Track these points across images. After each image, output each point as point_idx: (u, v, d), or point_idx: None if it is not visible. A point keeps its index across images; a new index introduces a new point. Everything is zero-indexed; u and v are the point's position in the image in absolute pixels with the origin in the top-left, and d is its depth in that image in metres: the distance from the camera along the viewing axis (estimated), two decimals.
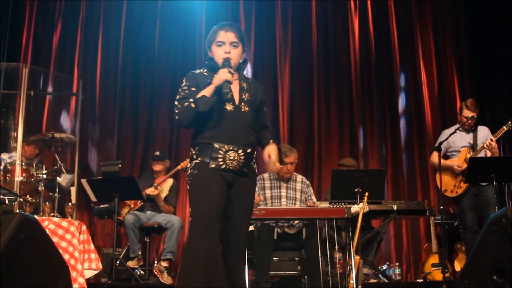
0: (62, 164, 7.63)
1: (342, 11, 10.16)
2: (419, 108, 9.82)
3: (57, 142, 7.89)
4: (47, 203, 6.95)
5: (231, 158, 3.95)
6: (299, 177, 7.34)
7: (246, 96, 4.13)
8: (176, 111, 4.05)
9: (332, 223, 6.90)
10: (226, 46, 4.11)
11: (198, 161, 3.98)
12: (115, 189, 6.79)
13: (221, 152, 3.94)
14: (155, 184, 7.82)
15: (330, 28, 10.16)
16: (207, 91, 3.96)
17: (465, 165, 6.84)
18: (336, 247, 6.98)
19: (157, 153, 8.29)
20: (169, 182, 8.04)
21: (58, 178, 7.48)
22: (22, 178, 7.23)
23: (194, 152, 4.04)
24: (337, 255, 7.11)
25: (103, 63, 9.88)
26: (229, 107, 4.02)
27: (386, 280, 7.71)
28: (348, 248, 6.32)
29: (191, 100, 3.96)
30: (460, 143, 7.21)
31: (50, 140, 7.85)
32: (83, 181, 6.97)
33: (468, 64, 10.00)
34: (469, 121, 7.08)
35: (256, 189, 6.96)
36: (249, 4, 10.16)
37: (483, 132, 7.20)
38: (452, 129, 7.21)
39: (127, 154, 9.63)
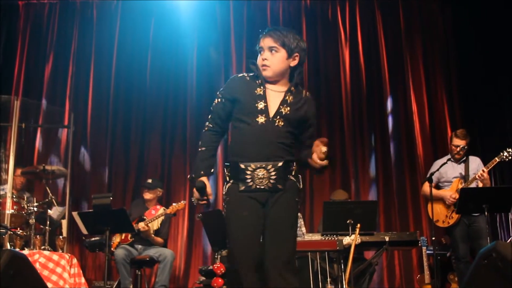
0: (53, 197, 7.61)
1: (332, 43, 10.21)
2: (410, 138, 9.84)
3: (48, 175, 7.87)
4: (37, 236, 6.93)
5: (260, 176, 3.66)
6: None
7: (286, 110, 3.77)
8: (203, 131, 3.89)
9: (324, 255, 6.88)
10: (264, 53, 3.80)
11: (230, 184, 3.75)
12: (106, 222, 6.74)
13: (249, 172, 3.67)
14: (147, 220, 7.78)
15: (321, 60, 10.20)
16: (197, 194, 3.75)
17: (457, 196, 6.86)
18: (328, 279, 6.95)
19: (149, 180, 8.23)
20: (161, 212, 7.97)
21: (49, 210, 7.46)
22: (12, 211, 7.20)
23: (227, 173, 3.82)
24: (330, 287, 7.08)
25: (95, 95, 9.89)
26: (261, 119, 3.72)
27: None
28: (340, 280, 6.31)
29: (204, 148, 3.82)
30: (452, 174, 7.25)
31: (42, 172, 7.84)
32: (74, 214, 6.94)
33: (458, 94, 10.05)
34: (459, 150, 7.14)
35: None
36: (239, 33, 10.20)
37: (475, 163, 7.25)
38: (444, 159, 7.25)
39: (119, 186, 9.60)
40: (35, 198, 7.50)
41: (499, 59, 9.42)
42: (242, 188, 3.68)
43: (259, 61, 3.80)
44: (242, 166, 3.67)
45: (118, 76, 9.98)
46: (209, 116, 3.90)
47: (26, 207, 7.25)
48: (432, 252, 7.88)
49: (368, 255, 8.20)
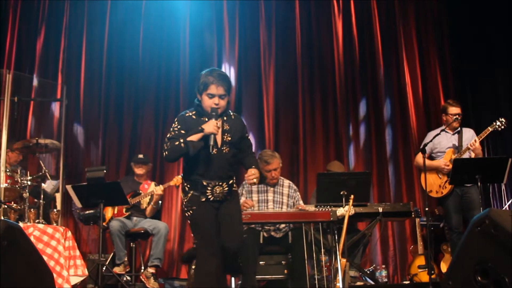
0: (46, 170, 7.59)
1: (325, 14, 10.18)
2: (404, 109, 9.86)
3: (41, 148, 7.84)
4: (32, 209, 6.91)
5: (218, 192, 4.87)
6: (286, 182, 7.35)
7: (228, 138, 4.89)
8: (166, 148, 4.78)
9: (318, 226, 6.90)
10: (215, 99, 4.79)
11: (190, 194, 4.88)
12: (100, 195, 6.74)
13: (209, 188, 4.85)
14: (143, 194, 7.86)
15: (314, 31, 10.18)
16: (195, 137, 4.69)
17: (451, 165, 6.89)
18: (322, 250, 6.98)
19: (141, 156, 8.31)
20: (152, 187, 8.04)
21: (43, 184, 7.43)
22: (6, 184, 7.17)
23: (186, 185, 4.93)
24: (323, 258, 7.11)
25: (87, 68, 9.83)
26: (214, 151, 4.74)
27: (373, 283, 7.73)
28: (334, 251, 6.33)
29: (181, 141, 4.69)
30: (446, 144, 7.28)
31: (35, 146, 7.81)
32: (68, 187, 6.92)
33: (452, 65, 10.07)
34: (457, 118, 7.16)
35: (244, 192, 7.05)
36: (232, 8, 10.15)
37: (468, 134, 7.28)
38: (437, 130, 7.27)
39: (112, 159, 9.59)
40: (28, 172, 7.47)
41: (492, 29, 9.41)
42: (203, 199, 4.86)
43: (210, 104, 4.80)
44: (205, 183, 4.85)
45: (110, 49, 9.91)
46: (166, 141, 4.83)
47: (19, 181, 7.22)
48: (425, 223, 7.92)
49: (362, 226, 8.25)
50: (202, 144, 4.70)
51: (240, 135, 5.02)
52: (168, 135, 4.85)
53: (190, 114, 4.92)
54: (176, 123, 4.87)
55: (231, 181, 4.96)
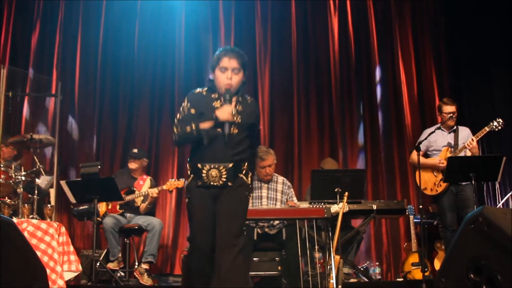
0: (41, 166, 7.57)
1: (321, 13, 10.17)
2: (398, 108, 9.87)
3: (36, 144, 7.82)
4: (26, 205, 6.89)
5: (213, 175, 4.41)
6: (280, 179, 7.36)
7: (238, 119, 4.46)
8: (176, 131, 4.50)
9: (312, 223, 6.90)
10: (228, 73, 4.47)
11: (190, 179, 4.52)
12: (94, 191, 6.74)
13: (204, 171, 4.41)
14: (137, 192, 7.82)
15: (309, 29, 10.17)
16: (208, 124, 4.37)
17: (446, 162, 6.90)
18: (316, 247, 6.98)
19: (135, 150, 8.26)
20: (148, 183, 8.03)
21: (37, 179, 7.41)
22: (0, 180, 7.15)
23: (188, 169, 4.58)
24: (317, 255, 7.12)
25: (82, 64, 9.82)
26: (219, 129, 4.40)
27: (366, 280, 7.74)
28: (328, 248, 6.33)
29: (193, 128, 4.39)
30: (441, 143, 7.29)
31: (29, 141, 7.79)
32: (62, 182, 6.92)
33: (447, 65, 10.07)
34: (452, 116, 7.17)
35: None
36: (228, 7, 10.14)
37: (464, 133, 7.30)
38: (432, 128, 7.29)
39: (106, 155, 9.58)
40: (23, 167, 7.45)
41: (488, 29, 9.40)
42: (200, 183, 4.45)
43: (223, 79, 4.48)
44: (199, 166, 4.44)
45: (105, 45, 9.90)
46: (176, 124, 4.54)
47: (13, 176, 7.20)
48: (419, 220, 7.93)
49: (356, 223, 8.25)
50: (216, 132, 4.38)
51: (252, 122, 4.66)
52: (177, 116, 4.57)
53: (201, 90, 4.63)
54: (186, 101, 4.59)
55: (231, 165, 4.42)
